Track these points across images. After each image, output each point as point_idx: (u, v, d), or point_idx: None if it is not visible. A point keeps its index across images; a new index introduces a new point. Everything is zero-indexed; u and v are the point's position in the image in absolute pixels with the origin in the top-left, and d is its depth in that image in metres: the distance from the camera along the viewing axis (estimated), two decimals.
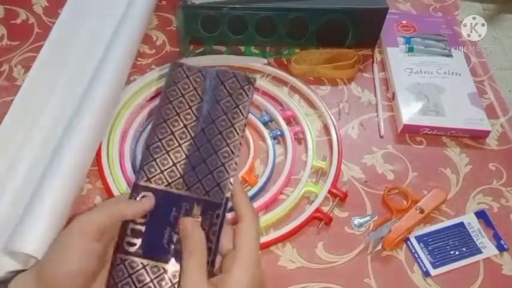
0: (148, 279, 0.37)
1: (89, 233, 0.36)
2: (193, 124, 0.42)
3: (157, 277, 0.37)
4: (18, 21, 0.72)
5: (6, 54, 0.67)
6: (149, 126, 0.57)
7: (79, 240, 0.35)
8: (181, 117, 0.42)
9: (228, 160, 0.41)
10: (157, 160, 0.40)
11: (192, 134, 0.41)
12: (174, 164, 0.40)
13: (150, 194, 0.39)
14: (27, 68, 0.64)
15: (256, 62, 0.67)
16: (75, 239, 0.36)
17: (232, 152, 0.41)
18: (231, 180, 0.40)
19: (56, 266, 0.36)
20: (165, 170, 0.40)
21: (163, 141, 0.41)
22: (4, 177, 0.52)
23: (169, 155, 0.41)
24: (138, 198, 0.39)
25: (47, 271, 0.36)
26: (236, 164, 0.41)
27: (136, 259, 0.38)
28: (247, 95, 0.43)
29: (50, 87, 0.60)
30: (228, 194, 0.39)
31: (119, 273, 0.37)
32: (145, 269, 0.37)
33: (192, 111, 0.42)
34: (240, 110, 0.42)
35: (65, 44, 0.66)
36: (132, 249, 0.38)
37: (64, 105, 0.58)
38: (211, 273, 0.37)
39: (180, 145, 0.41)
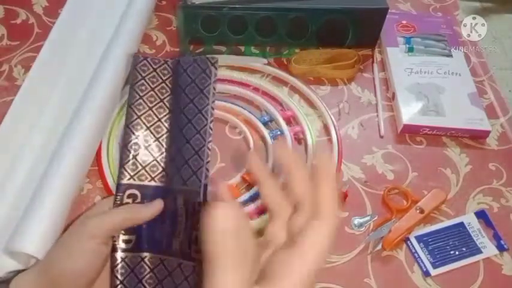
0: (148, 270, 0.37)
1: (99, 237, 0.36)
2: (167, 117, 0.41)
3: (156, 267, 0.38)
4: (18, 21, 0.72)
5: (6, 54, 0.67)
6: None
7: (89, 243, 0.36)
8: (154, 111, 0.41)
9: (200, 147, 0.39)
10: (137, 157, 0.40)
11: (168, 127, 0.41)
12: (155, 159, 0.40)
13: (137, 192, 0.39)
14: (27, 68, 0.64)
15: (256, 62, 0.67)
16: (85, 242, 0.36)
17: (204, 139, 0.40)
18: (207, 167, 0.39)
19: (64, 266, 0.36)
20: (147, 165, 0.40)
21: (140, 137, 0.40)
22: (4, 177, 0.52)
23: (148, 150, 0.40)
24: (125, 197, 0.39)
25: (53, 269, 0.36)
26: (209, 149, 0.39)
27: (134, 254, 0.38)
28: (210, 78, 0.41)
29: (50, 87, 0.60)
30: (206, 181, 0.38)
31: (121, 270, 0.37)
32: (144, 261, 0.38)
33: (164, 104, 0.41)
34: (205, 94, 0.40)
35: (65, 44, 0.66)
36: (129, 246, 0.38)
37: (64, 105, 0.58)
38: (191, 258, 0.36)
39: (157, 139, 0.41)
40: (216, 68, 0.42)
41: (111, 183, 0.53)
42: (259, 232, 0.31)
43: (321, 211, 0.29)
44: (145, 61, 0.42)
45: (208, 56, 0.41)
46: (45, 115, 0.57)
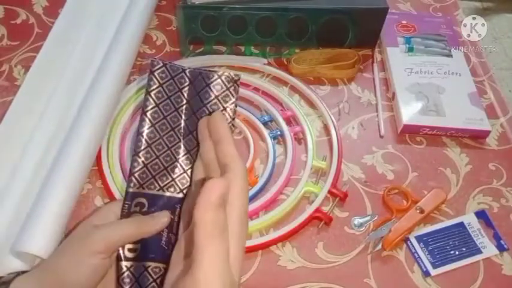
0: (151, 280, 0.37)
1: (104, 253, 0.36)
2: (180, 127, 0.41)
3: (158, 277, 0.38)
4: (18, 21, 0.72)
5: (6, 54, 0.67)
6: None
7: (94, 258, 0.36)
8: (169, 121, 0.40)
9: None
10: (148, 166, 0.39)
11: (180, 137, 0.41)
12: (165, 168, 0.40)
13: (145, 201, 0.39)
14: (27, 68, 0.64)
15: (256, 62, 0.67)
16: (90, 256, 0.36)
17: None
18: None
19: (66, 277, 0.36)
20: (157, 174, 0.39)
21: (152, 146, 0.40)
22: (7, 178, 0.51)
23: (159, 160, 0.40)
24: (133, 205, 0.39)
25: (55, 277, 0.36)
26: None
27: (139, 263, 0.38)
28: (233, 96, 0.42)
29: (50, 88, 0.60)
30: None
31: (127, 280, 0.37)
32: (148, 271, 0.38)
33: (179, 114, 0.41)
34: (228, 112, 0.41)
35: (65, 44, 0.66)
36: (134, 255, 0.38)
37: (65, 105, 0.58)
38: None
39: (169, 148, 0.40)
40: (238, 86, 0.42)
41: (111, 184, 0.53)
42: None
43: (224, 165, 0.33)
44: (164, 68, 0.41)
45: (231, 74, 0.42)
46: (45, 115, 0.57)
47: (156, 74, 0.41)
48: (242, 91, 0.63)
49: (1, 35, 0.69)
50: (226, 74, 0.42)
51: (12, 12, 0.73)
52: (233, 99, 0.42)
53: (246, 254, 0.49)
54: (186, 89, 0.41)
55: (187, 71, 0.42)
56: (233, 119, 0.41)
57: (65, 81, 0.61)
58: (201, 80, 0.41)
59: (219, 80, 0.41)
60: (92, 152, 0.53)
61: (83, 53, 0.64)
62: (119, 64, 0.59)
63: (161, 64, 0.41)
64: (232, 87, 0.42)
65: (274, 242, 0.50)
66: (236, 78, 0.42)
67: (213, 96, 0.41)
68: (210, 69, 0.43)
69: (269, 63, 0.67)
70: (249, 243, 0.50)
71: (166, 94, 0.41)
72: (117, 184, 0.53)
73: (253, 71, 0.67)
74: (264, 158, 0.57)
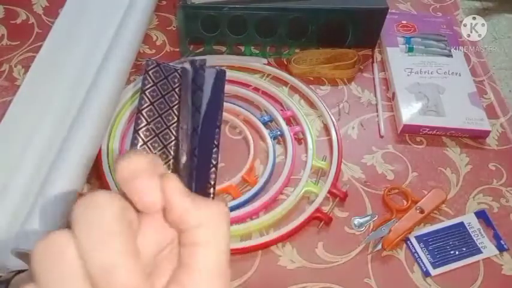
0: None
1: None
2: (174, 125, 0.42)
3: None
4: (18, 21, 0.72)
5: (6, 54, 0.67)
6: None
7: None
8: (164, 119, 0.42)
9: (210, 148, 0.41)
10: None
11: (175, 134, 0.41)
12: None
13: None
14: (27, 68, 0.64)
15: (256, 62, 0.67)
16: None
17: (213, 144, 0.41)
18: (213, 170, 0.40)
19: None
20: None
21: (148, 143, 0.41)
22: (7, 177, 0.51)
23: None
24: None
25: None
26: (217, 155, 0.41)
27: None
28: (219, 87, 0.43)
29: (50, 88, 0.60)
30: (212, 182, 0.40)
31: None
32: None
33: (173, 112, 0.42)
34: (216, 102, 0.42)
35: (65, 44, 0.66)
36: None
37: (65, 105, 0.58)
38: None
39: (165, 146, 0.41)
40: (225, 78, 0.43)
41: (111, 184, 0.53)
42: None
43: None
44: (158, 67, 0.42)
45: (217, 67, 0.43)
46: (45, 115, 0.57)
47: (150, 73, 0.42)
48: (242, 91, 0.63)
49: (1, 35, 0.69)
50: (212, 68, 0.43)
51: (12, 12, 0.73)
52: (219, 91, 0.43)
53: (246, 254, 0.50)
54: (179, 88, 0.42)
55: (179, 71, 0.43)
56: (221, 109, 0.42)
57: (65, 81, 0.61)
58: (192, 77, 0.42)
59: (205, 75, 0.43)
60: (92, 151, 0.53)
61: (83, 53, 0.64)
62: (119, 64, 0.59)
63: (155, 64, 0.42)
64: (218, 78, 0.43)
65: (274, 242, 0.50)
66: (221, 71, 0.44)
67: (201, 90, 0.42)
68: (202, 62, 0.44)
69: (269, 63, 0.67)
70: (249, 243, 0.50)
71: (161, 93, 0.42)
72: (117, 184, 0.53)
73: (253, 71, 0.67)
74: (264, 158, 0.57)
